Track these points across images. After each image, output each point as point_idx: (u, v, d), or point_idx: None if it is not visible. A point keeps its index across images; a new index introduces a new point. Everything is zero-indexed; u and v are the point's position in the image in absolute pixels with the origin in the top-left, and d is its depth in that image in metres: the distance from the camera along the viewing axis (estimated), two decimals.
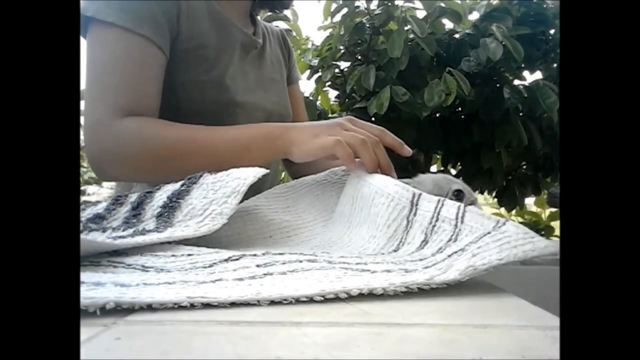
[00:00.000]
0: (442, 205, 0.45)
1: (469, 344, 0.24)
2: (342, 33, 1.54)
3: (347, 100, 1.62)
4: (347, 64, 1.65)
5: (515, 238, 0.36)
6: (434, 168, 1.79)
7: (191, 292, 0.31)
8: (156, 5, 0.71)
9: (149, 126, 0.67)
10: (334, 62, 1.61)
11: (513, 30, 1.39)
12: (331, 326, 0.26)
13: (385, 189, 0.51)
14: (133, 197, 0.54)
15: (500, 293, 0.35)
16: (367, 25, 1.53)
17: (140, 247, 0.44)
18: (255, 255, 0.42)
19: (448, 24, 1.57)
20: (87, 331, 0.25)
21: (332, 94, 1.76)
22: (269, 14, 1.25)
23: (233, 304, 0.30)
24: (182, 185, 0.54)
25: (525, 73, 1.58)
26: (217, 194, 0.52)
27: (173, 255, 0.42)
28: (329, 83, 1.66)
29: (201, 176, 0.55)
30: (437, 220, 0.44)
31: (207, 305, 0.30)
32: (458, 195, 0.62)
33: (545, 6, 1.49)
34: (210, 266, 0.39)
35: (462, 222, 0.42)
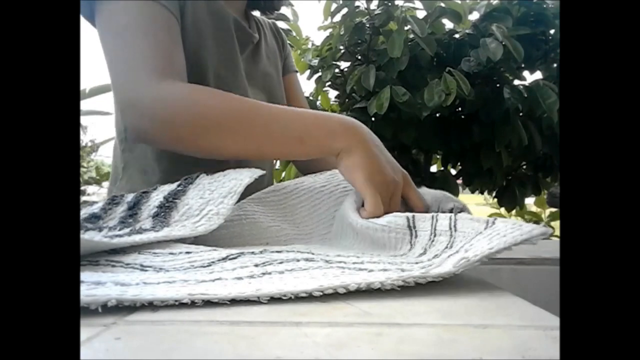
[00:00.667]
0: (437, 220, 0.45)
1: (469, 344, 0.24)
2: (342, 33, 1.54)
3: (347, 100, 1.62)
4: (347, 64, 1.65)
5: (504, 229, 0.37)
6: (434, 168, 1.79)
7: (191, 290, 0.31)
8: None
9: (195, 90, 0.62)
10: (334, 62, 1.61)
11: (513, 30, 1.39)
12: (331, 326, 0.26)
13: (377, 221, 0.50)
14: (129, 197, 0.54)
15: (500, 293, 0.35)
16: (367, 25, 1.53)
17: (138, 246, 0.44)
18: (253, 253, 0.42)
19: (448, 24, 1.57)
20: (87, 331, 0.25)
21: (332, 94, 1.76)
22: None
23: (233, 302, 0.30)
24: (178, 186, 0.55)
25: (525, 73, 1.58)
26: (213, 194, 0.52)
27: (171, 254, 0.42)
28: (329, 83, 1.66)
29: (197, 177, 0.55)
30: (434, 236, 0.45)
31: (207, 305, 0.30)
32: (452, 212, 0.62)
33: (545, 6, 1.49)
34: (209, 265, 0.39)
35: (455, 230, 0.42)
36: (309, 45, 1.74)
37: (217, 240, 0.55)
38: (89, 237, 0.41)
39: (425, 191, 0.64)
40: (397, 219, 0.49)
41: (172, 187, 0.55)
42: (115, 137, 0.84)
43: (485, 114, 1.46)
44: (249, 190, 0.60)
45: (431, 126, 1.52)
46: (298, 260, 0.40)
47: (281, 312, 0.29)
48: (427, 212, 0.59)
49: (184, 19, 0.73)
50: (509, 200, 1.69)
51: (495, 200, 1.77)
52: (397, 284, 0.33)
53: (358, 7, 1.54)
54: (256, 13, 0.95)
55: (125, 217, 0.51)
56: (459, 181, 1.67)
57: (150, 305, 0.30)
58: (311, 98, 1.69)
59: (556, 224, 2.14)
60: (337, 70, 1.62)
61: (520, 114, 1.51)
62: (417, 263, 0.40)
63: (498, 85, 1.49)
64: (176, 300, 0.30)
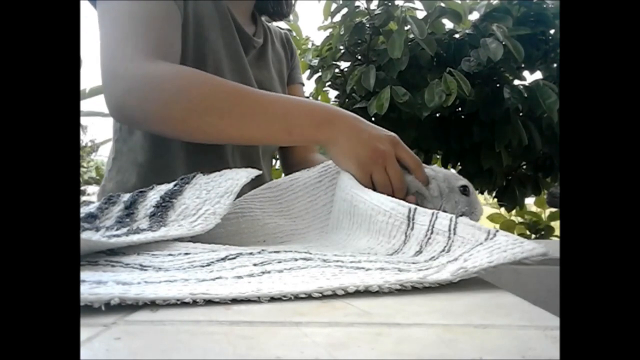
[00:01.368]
0: (437, 218, 0.46)
1: (469, 344, 0.24)
2: (342, 33, 1.53)
3: (347, 100, 1.62)
4: (347, 64, 1.65)
5: (505, 244, 0.37)
6: None
7: (193, 289, 0.31)
8: None
9: (185, 72, 0.61)
10: (334, 62, 1.61)
11: (513, 30, 1.38)
12: (331, 326, 0.26)
13: (382, 206, 0.51)
14: (126, 197, 0.55)
15: (500, 293, 0.35)
16: (367, 25, 1.53)
17: (137, 246, 0.44)
18: (251, 253, 0.42)
19: (448, 24, 1.57)
20: (87, 331, 0.25)
21: (332, 94, 1.76)
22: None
23: (234, 302, 0.30)
24: (175, 185, 0.55)
25: (526, 73, 1.58)
26: (210, 194, 0.53)
27: (170, 255, 0.42)
28: (329, 83, 1.66)
29: (194, 177, 0.56)
30: (431, 233, 0.45)
31: (207, 305, 0.30)
32: (464, 191, 0.64)
33: (545, 6, 1.49)
34: (208, 265, 0.39)
35: (454, 233, 0.43)
36: (309, 45, 1.74)
37: (215, 238, 0.55)
38: (87, 237, 0.41)
39: (436, 169, 0.66)
40: (401, 207, 0.49)
41: (168, 186, 0.55)
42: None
43: (485, 114, 1.46)
44: (245, 191, 0.60)
45: (431, 126, 1.52)
46: (296, 260, 0.40)
47: (281, 312, 0.29)
48: (428, 184, 0.62)
49: (187, 10, 0.72)
50: (509, 200, 1.69)
51: (495, 200, 1.77)
52: (394, 287, 0.33)
53: (358, 7, 1.54)
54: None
55: (122, 216, 0.52)
56: None
57: (150, 305, 0.30)
58: (311, 98, 1.69)
59: (556, 224, 2.14)
60: (337, 70, 1.62)
61: (520, 114, 1.50)
62: (413, 263, 0.40)
63: (498, 85, 1.49)
64: (178, 300, 0.30)
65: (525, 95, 1.41)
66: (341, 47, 1.60)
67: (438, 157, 1.74)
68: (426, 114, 1.35)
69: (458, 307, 0.31)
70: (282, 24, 1.54)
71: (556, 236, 2.12)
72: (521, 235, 2.19)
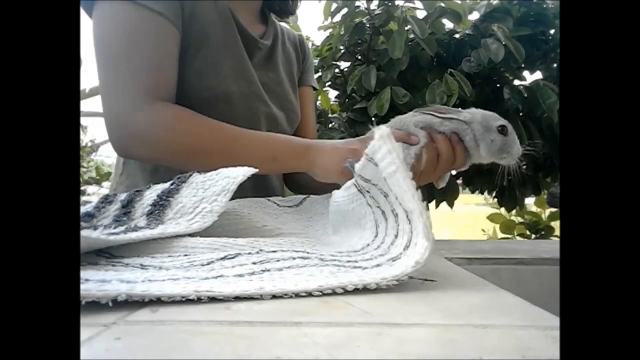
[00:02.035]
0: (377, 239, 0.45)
1: (469, 344, 0.24)
2: (342, 33, 1.53)
3: (347, 100, 1.62)
4: (347, 64, 1.65)
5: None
6: None
7: (197, 287, 0.32)
8: None
9: (184, 117, 0.68)
10: (334, 62, 1.61)
11: (513, 30, 1.38)
12: (331, 326, 0.26)
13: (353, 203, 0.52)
14: (122, 196, 0.55)
15: (500, 293, 0.35)
16: (368, 25, 1.53)
17: (136, 248, 0.44)
18: (249, 253, 0.43)
19: (448, 24, 1.57)
20: (87, 331, 0.25)
21: (332, 93, 1.76)
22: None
23: (234, 301, 0.31)
24: (172, 184, 0.55)
25: (526, 73, 1.58)
26: (207, 192, 0.53)
27: (170, 256, 0.43)
28: (329, 83, 1.66)
29: (190, 175, 0.56)
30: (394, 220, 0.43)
31: (207, 305, 0.30)
32: (502, 130, 0.67)
33: (545, 6, 1.49)
34: (209, 264, 0.40)
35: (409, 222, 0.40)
36: (309, 45, 1.74)
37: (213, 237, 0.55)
38: (86, 234, 0.41)
39: (474, 111, 0.69)
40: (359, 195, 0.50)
41: (165, 185, 0.55)
42: None
43: None
44: (245, 191, 0.61)
45: None
46: (294, 259, 0.41)
47: (281, 312, 0.29)
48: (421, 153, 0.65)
49: (185, 17, 0.73)
50: (509, 200, 1.69)
51: (495, 200, 1.77)
52: (392, 284, 0.34)
53: (358, 7, 1.54)
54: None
55: (119, 215, 0.52)
56: (459, 181, 1.67)
57: (150, 305, 0.30)
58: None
59: (556, 224, 2.14)
60: (337, 70, 1.62)
61: (520, 114, 1.50)
62: (404, 249, 0.39)
63: (498, 85, 1.49)
64: (183, 297, 0.30)
65: (525, 95, 1.41)
66: (341, 47, 1.60)
67: None
68: None
69: (458, 307, 0.31)
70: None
71: (556, 236, 2.12)
72: (521, 235, 2.19)
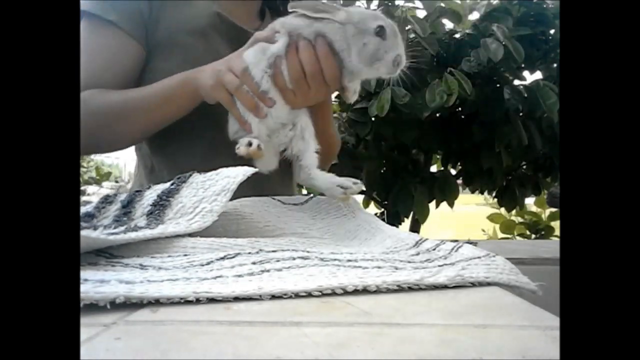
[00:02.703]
0: (442, 242, 0.48)
1: (469, 344, 0.24)
2: None
3: None
4: None
5: (502, 267, 0.40)
6: (434, 168, 1.79)
7: (195, 288, 0.31)
8: None
9: (91, 96, 0.69)
10: None
11: (513, 30, 1.39)
12: (331, 326, 0.26)
13: (398, 235, 0.53)
14: (123, 196, 0.55)
15: (500, 293, 0.35)
16: None
17: (136, 249, 0.44)
18: (249, 253, 0.43)
19: (448, 24, 1.57)
20: (87, 331, 0.25)
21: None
22: None
23: (234, 301, 0.31)
24: (172, 184, 0.55)
25: (526, 73, 1.58)
26: (207, 192, 0.53)
27: (169, 256, 0.43)
28: None
29: (190, 175, 0.56)
30: (434, 250, 0.47)
31: (207, 305, 0.30)
32: (379, 32, 0.57)
33: (545, 6, 1.49)
34: (208, 264, 0.40)
35: (456, 251, 0.45)
36: None
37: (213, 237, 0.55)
38: (86, 234, 0.41)
39: (352, 9, 0.60)
40: (409, 236, 0.52)
41: (165, 185, 0.55)
42: None
43: (486, 114, 1.46)
44: (242, 191, 0.61)
45: (431, 126, 1.52)
46: (294, 259, 0.41)
47: (281, 312, 0.29)
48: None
49: (150, 23, 0.76)
50: (509, 200, 1.69)
51: (495, 200, 1.77)
52: (392, 287, 0.34)
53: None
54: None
55: (119, 215, 0.52)
56: (459, 181, 1.67)
57: (150, 305, 0.30)
58: None
59: (556, 224, 2.14)
60: None
61: (520, 114, 1.51)
62: (409, 262, 0.41)
63: (498, 85, 1.49)
64: (182, 298, 0.30)
65: (525, 95, 1.41)
66: None
67: (438, 157, 1.74)
68: (427, 114, 1.35)
69: (458, 307, 0.31)
70: None
71: (556, 236, 2.12)
72: (521, 235, 2.19)
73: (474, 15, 1.56)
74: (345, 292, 0.33)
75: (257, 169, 0.57)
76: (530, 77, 1.59)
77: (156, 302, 0.30)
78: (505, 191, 1.69)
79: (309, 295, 0.32)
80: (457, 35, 1.53)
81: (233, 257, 0.42)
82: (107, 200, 0.55)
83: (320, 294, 0.32)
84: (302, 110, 0.66)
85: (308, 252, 0.44)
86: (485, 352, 0.22)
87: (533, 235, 2.17)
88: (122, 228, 0.48)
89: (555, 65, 1.56)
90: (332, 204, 0.65)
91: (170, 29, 0.76)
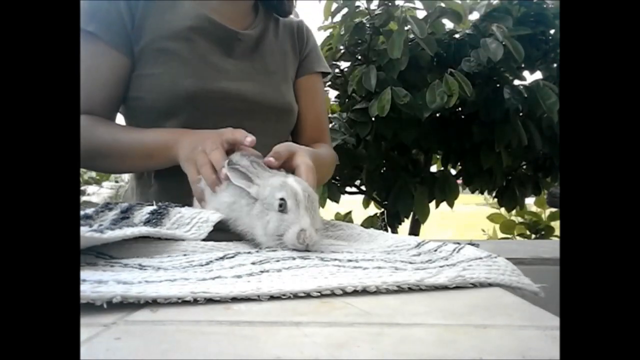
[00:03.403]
0: (444, 244, 0.49)
1: (469, 344, 0.24)
2: (342, 33, 1.53)
3: (347, 100, 1.62)
4: (347, 64, 1.65)
5: (504, 268, 0.40)
6: (434, 168, 1.79)
7: (193, 288, 0.31)
8: (108, 3, 0.74)
9: (83, 126, 0.70)
10: (334, 62, 1.61)
11: (513, 30, 1.38)
12: (331, 326, 0.26)
13: (400, 237, 0.56)
14: (124, 205, 0.56)
15: (500, 293, 0.35)
16: (368, 25, 1.53)
17: (136, 251, 0.44)
18: (249, 253, 0.43)
19: (448, 24, 1.57)
20: (87, 331, 0.25)
21: (332, 94, 1.76)
22: None
23: (234, 301, 0.31)
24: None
25: (526, 73, 1.58)
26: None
27: (169, 256, 0.43)
28: (329, 83, 1.66)
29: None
30: (435, 251, 0.48)
31: (207, 305, 0.30)
32: (280, 206, 0.51)
33: (545, 6, 1.49)
34: (207, 264, 0.40)
35: (458, 252, 0.45)
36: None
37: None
38: (81, 232, 0.41)
39: (290, 182, 0.53)
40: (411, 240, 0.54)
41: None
42: None
43: (485, 114, 1.46)
44: None
45: (431, 126, 1.52)
46: (294, 259, 0.41)
47: (281, 312, 0.29)
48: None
49: (133, 32, 0.76)
50: (509, 200, 1.69)
51: (495, 200, 1.77)
52: (392, 288, 0.34)
53: (358, 7, 1.54)
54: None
55: (116, 219, 0.52)
56: (459, 181, 1.67)
57: (150, 305, 0.30)
58: None
59: (556, 224, 2.14)
60: (337, 70, 1.62)
61: (520, 114, 1.50)
62: (410, 263, 0.41)
63: (498, 85, 1.49)
64: (179, 298, 0.30)
65: (525, 95, 1.41)
66: (341, 47, 1.60)
67: (438, 157, 1.74)
68: (427, 114, 1.35)
69: (458, 307, 0.31)
70: None
71: (556, 236, 2.12)
72: (521, 235, 2.19)
73: (474, 15, 1.56)
74: (345, 293, 0.33)
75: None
76: (530, 77, 1.59)
77: (155, 302, 0.30)
78: (505, 191, 1.69)
79: (308, 295, 0.32)
80: (457, 36, 1.53)
81: (232, 257, 0.42)
82: (107, 207, 0.55)
83: (319, 294, 0.32)
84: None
85: (308, 251, 0.44)
86: (485, 352, 0.22)
87: (533, 235, 2.17)
88: (118, 226, 0.48)
89: (555, 65, 1.56)
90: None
91: (154, 35, 0.77)
